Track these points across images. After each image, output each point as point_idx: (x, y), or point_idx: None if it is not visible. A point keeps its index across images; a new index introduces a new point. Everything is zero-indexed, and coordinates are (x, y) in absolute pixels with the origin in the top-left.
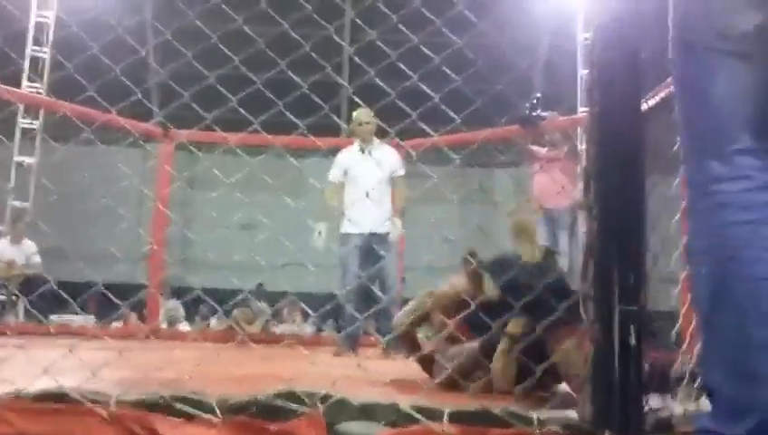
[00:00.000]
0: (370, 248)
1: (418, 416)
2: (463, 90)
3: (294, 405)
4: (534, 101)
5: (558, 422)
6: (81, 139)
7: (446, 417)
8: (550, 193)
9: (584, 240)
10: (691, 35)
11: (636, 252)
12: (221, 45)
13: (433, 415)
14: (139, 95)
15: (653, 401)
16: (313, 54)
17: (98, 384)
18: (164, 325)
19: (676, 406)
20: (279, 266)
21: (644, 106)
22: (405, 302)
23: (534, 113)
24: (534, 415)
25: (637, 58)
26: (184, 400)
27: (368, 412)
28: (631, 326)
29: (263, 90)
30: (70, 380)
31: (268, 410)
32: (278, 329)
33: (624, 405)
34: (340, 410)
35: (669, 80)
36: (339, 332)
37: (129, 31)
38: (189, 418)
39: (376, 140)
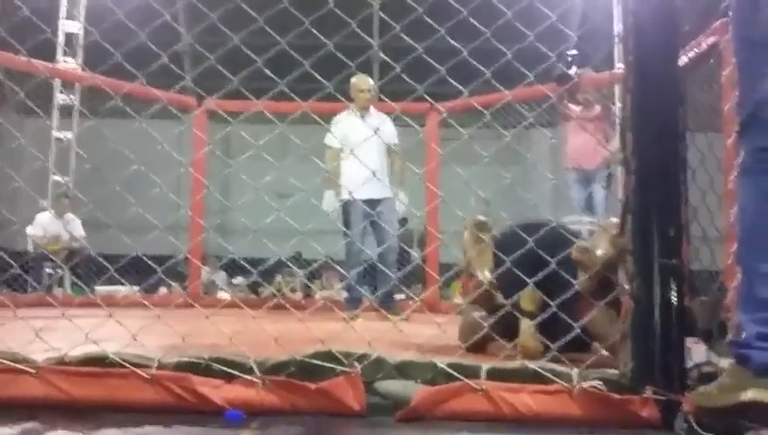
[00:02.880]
0: (372, 214)
1: (456, 374)
2: (495, 47)
3: (332, 364)
4: (570, 58)
5: (598, 378)
6: (117, 112)
7: (483, 374)
8: (584, 152)
9: (622, 195)
10: (749, 33)
11: (675, 205)
12: (247, 8)
13: (470, 373)
14: (166, 59)
15: (696, 356)
16: (337, 11)
17: (139, 349)
18: (204, 293)
19: (721, 360)
20: (314, 232)
21: (682, 60)
22: (441, 266)
23: (570, 70)
24: (574, 371)
25: (672, 5)
26: (223, 361)
27: (405, 371)
28: (672, 281)
29: (293, 54)
30: (112, 346)
31: (306, 370)
32: (316, 295)
33: (665, 360)
34: (377, 368)
35: (705, 34)
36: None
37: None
38: (229, 378)
39: (372, 108)
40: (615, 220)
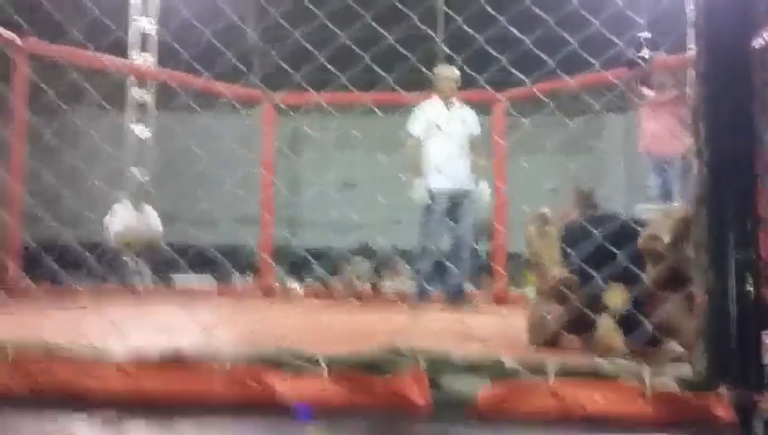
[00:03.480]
0: (455, 204)
1: (523, 371)
2: (561, 34)
3: (398, 360)
4: (641, 42)
5: (671, 377)
6: (189, 107)
7: (551, 372)
8: (659, 138)
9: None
10: None
11: (750, 196)
12: (311, 6)
13: (538, 370)
14: (233, 59)
15: None
16: (399, 5)
17: (214, 342)
18: (277, 285)
19: None
20: (381, 223)
21: (758, 42)
22: (510, 256)
23: (641, 54)
24: (646, 369)
25: None
26: (292, 355)
27: (471, 367)
28: (748, 274)
29: (353, 47)
30: (188, 339)
31: (373, 365)
32: (384, 286)
33: (741, 357)
34: (443, 365)
35: None
36: (445, 287)
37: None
38: (298, 373)
39: (455, 99)
40: (678, 206)
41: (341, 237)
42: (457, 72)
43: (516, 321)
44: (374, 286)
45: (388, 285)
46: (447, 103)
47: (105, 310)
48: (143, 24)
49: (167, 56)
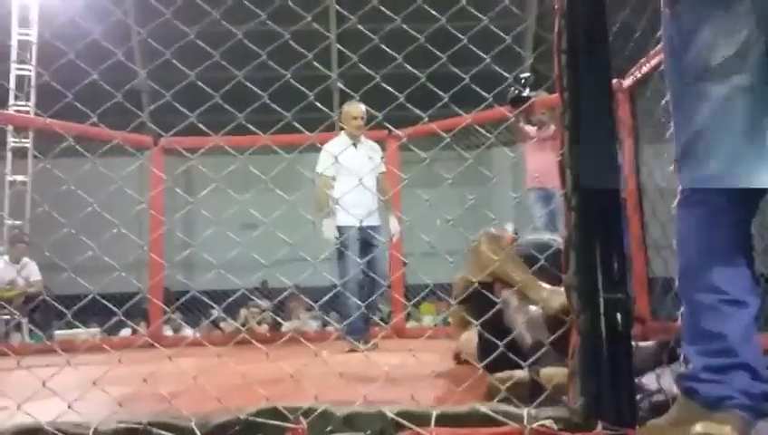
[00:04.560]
0: (364, 240)
1: (405, 422)
2: (450, 71)
3: (278, 421)
4: (523, 81)
5: (549, 416)
6: (73, 152)
7: (433, 421)
8: (544, 172)
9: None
10: (679, 71)
11: (617, 240)
12: (202, 44)
13: (420, 419)
14: (121, 98)
15: (647, 384)
16: (293, 44)
17: (88, 405)
18: (168, 332)
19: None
20: (280, 262)
21: (631, 79)
22: (408, 288)
23: (523, 93)
24: (524, 411)
25: (605, 38)
26: (163, 425)
27: (352, 423)
28: (618, 314)
29: (250, 87)
30: (59, 403)
31: (251, 429)
32: (283, 326)
33: (615, 394)
34: (324, 422)
35: (654, 52)
36: (345, 325)
37: (113, 38)
38: None
39: (362, 136)
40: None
41: (240, 279)
42: (363, 109)
43: (421, 357)
44: (273, 327)
45: (289, 324)
46: (355, 141)
47: None
48: (21, 69)
49: (48, 100)
